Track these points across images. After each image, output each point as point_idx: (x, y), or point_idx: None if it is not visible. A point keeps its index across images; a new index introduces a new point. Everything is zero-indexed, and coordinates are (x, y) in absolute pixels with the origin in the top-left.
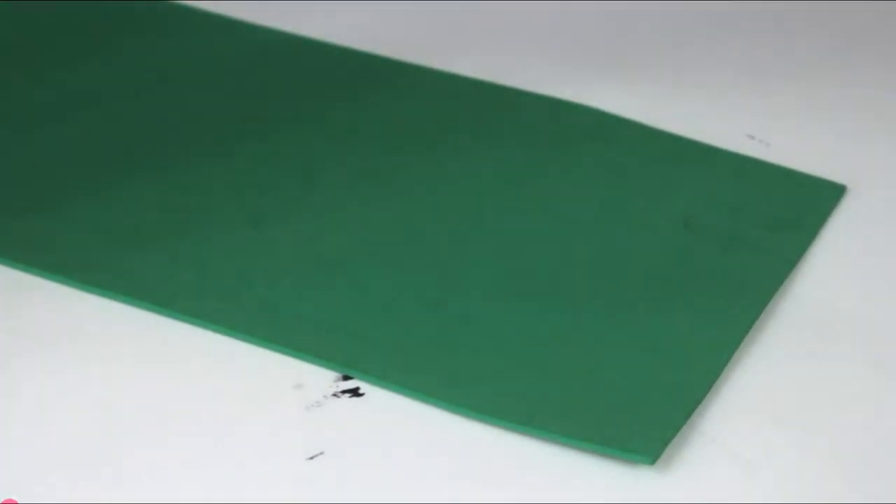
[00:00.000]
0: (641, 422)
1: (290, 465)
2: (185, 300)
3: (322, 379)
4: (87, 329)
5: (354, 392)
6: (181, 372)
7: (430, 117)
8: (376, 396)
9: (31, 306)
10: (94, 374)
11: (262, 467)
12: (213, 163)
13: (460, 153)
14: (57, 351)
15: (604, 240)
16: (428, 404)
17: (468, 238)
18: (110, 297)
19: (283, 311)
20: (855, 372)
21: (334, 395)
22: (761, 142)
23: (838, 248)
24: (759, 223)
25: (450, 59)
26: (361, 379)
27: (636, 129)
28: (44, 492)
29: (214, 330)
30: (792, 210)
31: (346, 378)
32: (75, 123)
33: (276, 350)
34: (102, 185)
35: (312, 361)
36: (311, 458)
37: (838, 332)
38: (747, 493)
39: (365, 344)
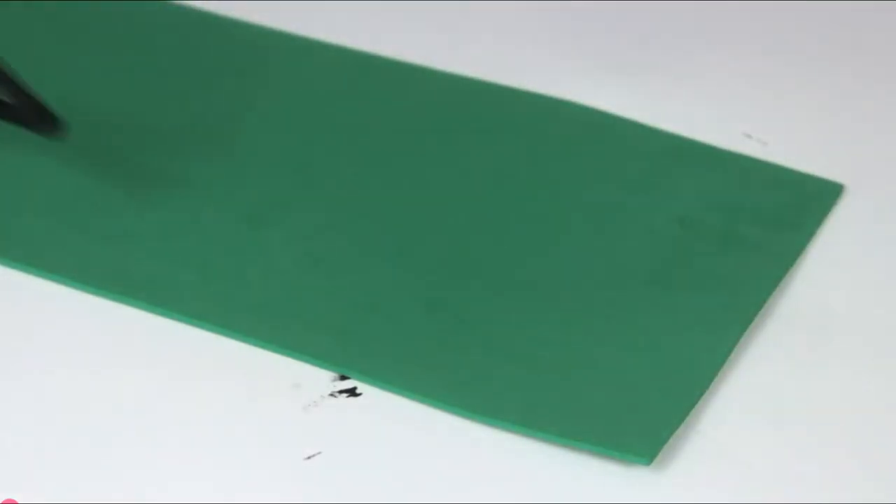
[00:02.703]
0: (638, 422)
1: (288, 464)
2: (181, 300)
3: (319, 379)
4: (83, 329)
5: (352, 392)
6: (177, 372)
7: (428, 117)
8: (373, 396)
9: (27, 306)
10: (90, 375)
11: (260, 467)
12: (211, 162)
13: (459, 153)
14: (55, 351)
15: (601, 239)
16: (425, 404)
17: (466, 237)
18: (106, 297)
19: (280, 311)
20: (853, 372)
21: (331, 395)
22: (758, 141)
23: (836, 247)
24: (757, 222)
25: (449, 58)
26: (358, 379)
27: (633, 128)
28: (43, 492)
29: (211, 330)
30: (789, 209)
31: (343, 378)
32: (72, 125)
33: (273, 350)
34: (98, 186)
35: (310, 361)
36: (309, 457)
37: (836, 332)
38: (745, 493)
39: (362, 344)
